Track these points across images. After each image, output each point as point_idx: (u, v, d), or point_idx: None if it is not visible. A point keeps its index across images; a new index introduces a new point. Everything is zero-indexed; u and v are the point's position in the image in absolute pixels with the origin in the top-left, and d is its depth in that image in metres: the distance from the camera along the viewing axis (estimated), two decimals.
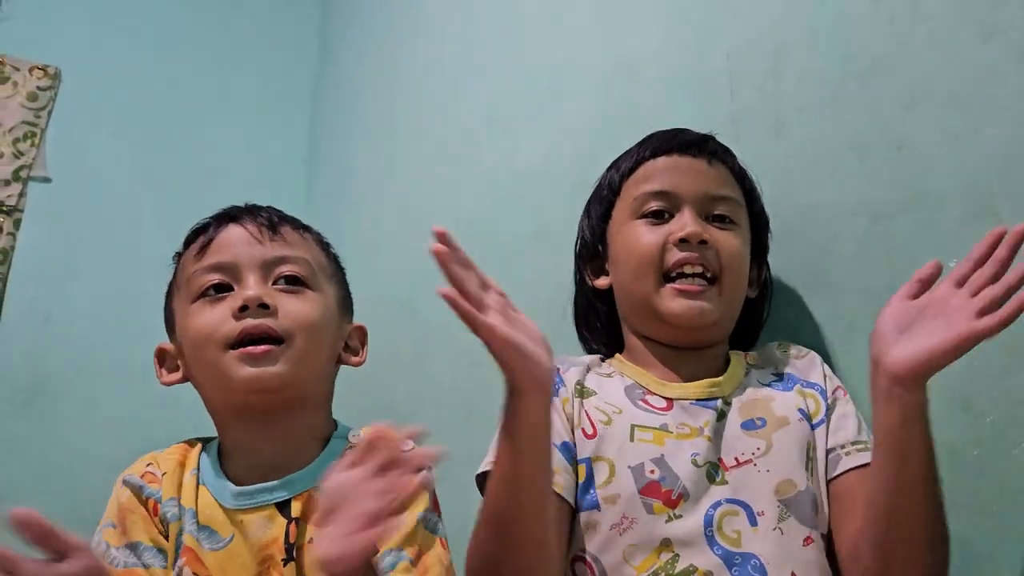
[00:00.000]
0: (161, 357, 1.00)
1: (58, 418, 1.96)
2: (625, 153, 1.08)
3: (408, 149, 2.02)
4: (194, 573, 0.87)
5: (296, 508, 0.89)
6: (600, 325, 1.11)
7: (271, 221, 0.97)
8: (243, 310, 0.90)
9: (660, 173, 1.02)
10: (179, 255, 1.01)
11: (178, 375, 0.98)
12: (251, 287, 0.92)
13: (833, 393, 0.97)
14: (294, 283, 0.94)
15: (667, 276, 0.99)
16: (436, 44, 1.99)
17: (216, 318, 0.91)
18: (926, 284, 0.81)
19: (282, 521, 0.88)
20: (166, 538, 0.88)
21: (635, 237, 1.01)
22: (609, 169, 1.10)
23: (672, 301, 0.98)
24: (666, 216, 1.01)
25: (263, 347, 0.89)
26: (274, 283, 0.94)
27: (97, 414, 1.98)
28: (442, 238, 0.75)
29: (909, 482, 0.80)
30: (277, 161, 2.37)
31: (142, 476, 0.92)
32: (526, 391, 0.78)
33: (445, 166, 1.85)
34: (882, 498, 0.81)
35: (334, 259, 1.03)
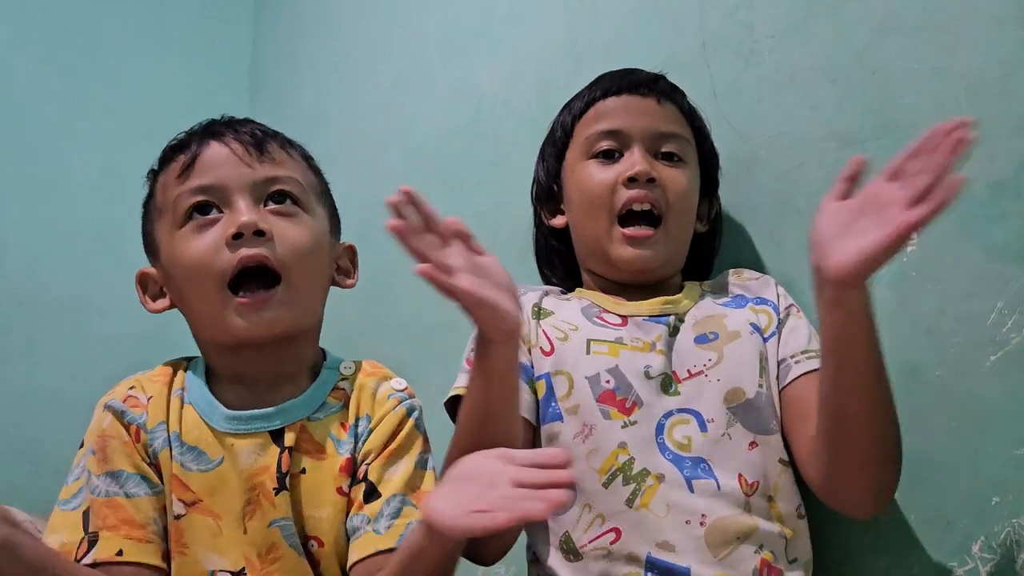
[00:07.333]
0: (143, 283, 0.94)
1: None
2: (576, 95, 1.10)
3: (358, 77, 1.96)
4: (180, 499, 0.84)
5: (290, 438, 0.87)
6: (559, 263, 1.14)
7: (256, 138, 0.91)
8: (237, 238, 0.85)
9: (610, 113, 1.05)
10: (154, 173, 0.94)
11: (166, 302, 0.92)
12: (243, 212, 0.87)
13: (786, 310, 1.01)
14: (285, 202, 0.90)
15: (619, 217, 1.01)
16: None
17: (209, 247, 0.86)
18: (852, 181, 0.79)
19: (275, 450, 0.86)
20: (150, 465, 0.85)
21: (587, 176, 1.04)
22: (562, 111, 1.11)
23: (621, 248, 1.01)
24: (616, 155, 1.03)
25: (261, 296, 0.86)
26: (265, 205, 0.89)
27: (37, 351, 1.92)
28: (407, 196, 0.77)
29: (855, 382, 0.82)
30: (218, 90, 2.28)
31: (124, 400, 0.87)
32: (495, 340, 0.81)
33: (398, 95, 1.80)
34: (831, 399, 0.84)
35: (320, 175, 0.99)
